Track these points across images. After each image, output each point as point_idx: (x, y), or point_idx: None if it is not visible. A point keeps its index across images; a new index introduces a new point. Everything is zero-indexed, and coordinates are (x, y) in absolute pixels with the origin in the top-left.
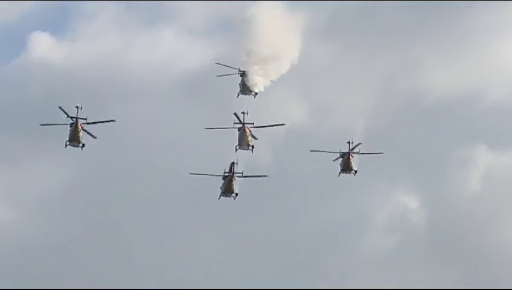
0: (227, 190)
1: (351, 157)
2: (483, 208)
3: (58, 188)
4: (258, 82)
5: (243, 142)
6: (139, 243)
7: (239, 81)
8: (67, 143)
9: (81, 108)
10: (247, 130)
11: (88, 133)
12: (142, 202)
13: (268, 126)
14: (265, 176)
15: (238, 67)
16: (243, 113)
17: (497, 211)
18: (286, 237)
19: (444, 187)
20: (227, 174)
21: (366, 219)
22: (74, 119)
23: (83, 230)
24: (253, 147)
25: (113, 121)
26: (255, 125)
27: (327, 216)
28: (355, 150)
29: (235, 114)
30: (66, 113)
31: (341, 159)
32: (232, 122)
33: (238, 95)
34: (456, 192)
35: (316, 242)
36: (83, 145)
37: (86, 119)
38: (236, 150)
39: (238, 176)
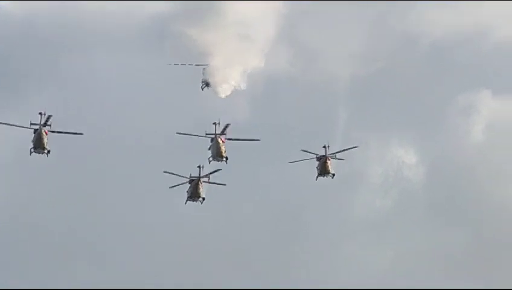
0: (194, 195)
1: (328, 160)
2: (487, 161)
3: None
4: None
5: (217, 154)
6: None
7: None
8: (32, 150)
9: (45, 114)
10: (221, 141)
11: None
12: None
13: (243, 140)
14: (224, 184)
15: None
16: (215, 123)
17: (502, 164)
18: (273, 196)
19: (444, 139)
20: (194, 177)
21: (359, 176)
22: (38, 126)
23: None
24: (227, 158)
25: (81, 134)
26: (229, 137)
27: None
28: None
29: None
30: (30, 124)
31: (317, 162)
32: (204, 132)
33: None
34: (457, 144)
35: (304, 202)
36: (49, 151)
37: (50, 126)
38: (209, 161)
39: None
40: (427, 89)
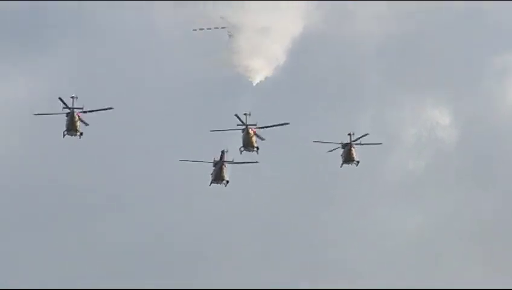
0: (218, 178)
1: (352, 148)
2: None
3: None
4: None
5: (248, 144)
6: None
7: None
8: (65, 133)
9: (77, 98)
10: (251, 131)
11: (82, 121)
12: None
13: (272, 126)
14: (256, 162)
15: None
16: (245, 114)
17: None
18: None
19: (479, 100)
20: (217, 161)
21: (390, 138)
22: (70, 109)
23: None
24: (258, 148)
25: (110, 108)
26: (259, 126)
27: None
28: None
29: (236, 115)
30: (64, 103)
31: (342, 150)
32: (235, 124)
33: None
34: (491, 106)
35: (333, 165)
36: (81, 133)
37: (82, 108)
38: (241, 152)
39: (228, 163)
40: (462, 50)
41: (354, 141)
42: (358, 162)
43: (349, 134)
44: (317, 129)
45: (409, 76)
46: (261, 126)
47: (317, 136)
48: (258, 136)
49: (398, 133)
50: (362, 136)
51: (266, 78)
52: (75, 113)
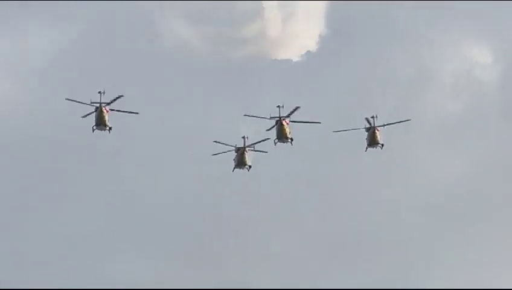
0: (241, 163)
1: (376, 131)
2: None
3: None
4: None
5: (282, 135)
6: None
7: None
8: (94, 127)
9: (104, 93)
10: (285, 123)
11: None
12: None
13: (305, 122)
14: (265, 152)
15: None
16: (279, 106)
17: None
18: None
19: None
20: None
21: (429, 76)
22: (98, 104)
23: None
24: (292, 139)
25: (136, 113)
26: (293, 120)
27: (382, 71)
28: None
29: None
30: (90, 102)
31: (367, 133)
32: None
33: None
34: None
35: (368, 102)
36: (110, 128)
37: (110, 104)
38: (275, 143)
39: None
40: None
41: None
42: (382, 145)
43: (372, 117)
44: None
45: (448, 12)
46: (295, 120)
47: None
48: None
49: (436, 72)
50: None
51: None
52: (103, 108)
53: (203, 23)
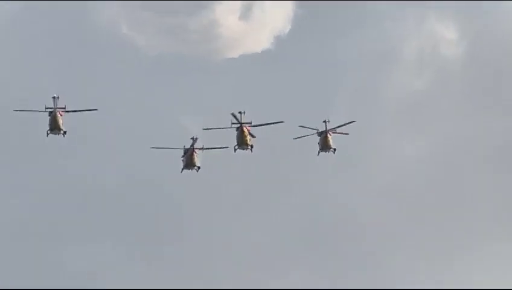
0: (189, 164)
1: (328, 135)
2: None
3: None
4: None
5: (242, 142)
6: None
7: None
8: (49, 132)
9: (58, 98)
10: (246, 130)
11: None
12: None
13: (267, 124)
14: (226, 147)
15: None
16: (240, 112)
17: None
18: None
19: (488, 12)
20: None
21: (393, 54)
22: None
23: None
24: (252, 146)
25: (95, 110)
26: (254, 124)
27: (348, 50)
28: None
29: (233, 114)
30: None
31: (319, 138)
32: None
33: None
34: (503, 18)
35: (334, 81)
36: (65, 132)
37: (65, 108)
38: (235, 150)
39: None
40: None
41: (330, 129)
42: (335, 149)
43: (324, 121)
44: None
45: None
46: (255, 124)
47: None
48: (251, 134)
49: (400, 49)
50: (340, 126)
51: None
52: (57, 113)
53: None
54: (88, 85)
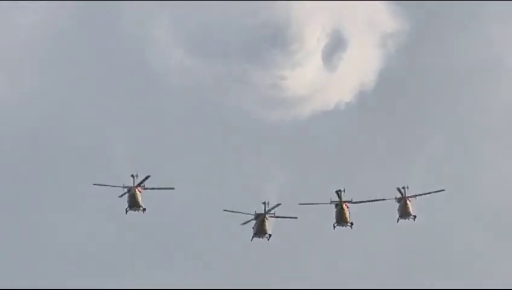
0: (260, 231)
1: (408, 202)
2: None
3: None
4: None
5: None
6: None
7: None
8: (128, 209)
9: (137, 176)
10: (345, 207)
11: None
12: None
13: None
14: (295, 217)
15: None
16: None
17: None
18: None
19: None
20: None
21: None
22: (131, 188)
23: None
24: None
25: (172, 189)
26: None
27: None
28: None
29: (337, 192)
30: (124, 187)
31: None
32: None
33: None
34: None
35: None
36: (144, 209)
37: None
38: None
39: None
40: None
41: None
42: (415, 216)
43: (403, 187)
44: None
45: None
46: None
47: None
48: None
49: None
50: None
51: None
52: (136, 190)
53: None
54: None
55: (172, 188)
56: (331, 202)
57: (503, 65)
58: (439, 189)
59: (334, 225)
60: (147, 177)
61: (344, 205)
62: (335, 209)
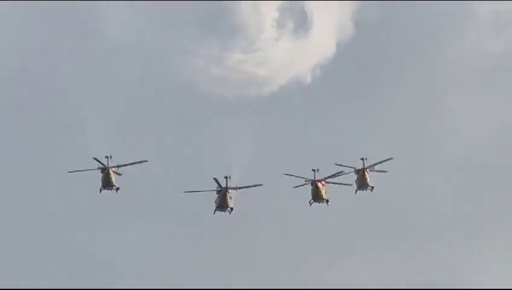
0: (222, 205)
1: (366, 173)
2: None
3: None
4: None
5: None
6: None
7: None
8: (102, 188)
9: (111, 157)
10: (320, 185)
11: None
12: None
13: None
14: (261, 184)
15: None
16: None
17: None
18: None
19: None
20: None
21: (466, 13)
22: (105, 167)
23: None
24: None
25: (145, 161)
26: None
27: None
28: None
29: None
30: (100, 162)
31: (356, 176)
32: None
33: None
34: None
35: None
36: (118, 188)
37: (117, 166)
38: (310, 204)
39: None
40: None
41: (368, 166)
42: (372, 187)
43: (362, 159)
44: None
45: None
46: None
47: None
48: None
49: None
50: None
51: None
52: (110, 170)
53: None
54: None
55: (146, 161)
56: (305, 181)
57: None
58: (388, 158)
59: (310, 201)
60: (139, 162)
61: (319, 184)
62: (311, 187)
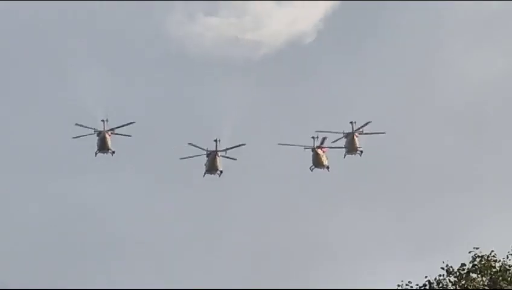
0: (212, 168)
1: (355, 137)
2: None
3: None
4: None
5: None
6: None
7: None
8: (97, 152)
9: (107, 120)
10: (320, 152)
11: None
12: None
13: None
14: (244, 144)
15: None
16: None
17: None
18: None
19: None
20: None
21: None
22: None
23: None
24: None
25: (133, 123)
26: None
27: None
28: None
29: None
30: (93, 129)
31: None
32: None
33: None
34: None
35: None
36: (113, 152)
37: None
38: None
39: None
40: None
41: (356, 129)
42: (361, 152)
43: (351, 122)
44: None
45: None
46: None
47: None
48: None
49: None
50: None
51: None
52: (106, 134)
53: None
54: None
55: (133, 122)
56: (305, 149)
57: None
58: (367, 122)
59: (311, 167)
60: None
61: (319, 150)
62: (311, 153)
